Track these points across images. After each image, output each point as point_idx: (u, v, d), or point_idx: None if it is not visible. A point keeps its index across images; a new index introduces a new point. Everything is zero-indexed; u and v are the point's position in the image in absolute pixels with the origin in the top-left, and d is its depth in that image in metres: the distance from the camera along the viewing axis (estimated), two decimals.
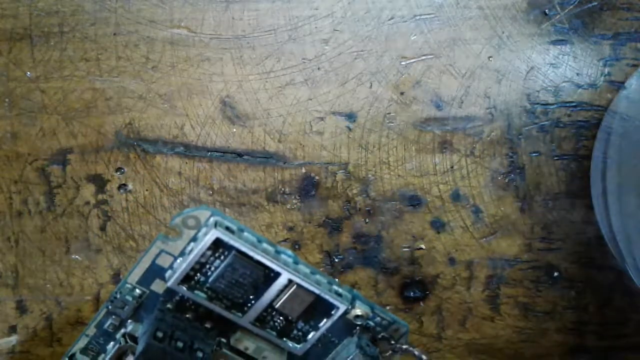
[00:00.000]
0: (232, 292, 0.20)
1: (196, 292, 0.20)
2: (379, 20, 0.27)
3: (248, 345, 0.22)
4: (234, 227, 0.20)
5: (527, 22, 0.27)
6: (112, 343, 0.21)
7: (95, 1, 0.27)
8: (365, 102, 0.27)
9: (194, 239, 0.20)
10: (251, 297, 0.21)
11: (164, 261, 0.20)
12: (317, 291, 0.20)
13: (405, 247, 0.27)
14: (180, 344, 0.20)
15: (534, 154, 0.27)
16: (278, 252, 0.20)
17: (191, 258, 0.20)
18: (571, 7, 0.27)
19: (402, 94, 0.27)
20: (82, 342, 0.21)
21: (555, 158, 0.27)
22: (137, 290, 0.21)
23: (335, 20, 0.27)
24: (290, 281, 0.20)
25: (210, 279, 0.20)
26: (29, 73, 0.27)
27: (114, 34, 0.27)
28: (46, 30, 0.27)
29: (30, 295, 0.27)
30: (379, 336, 0.22)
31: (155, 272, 0.21)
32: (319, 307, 0.21)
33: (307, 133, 0.27)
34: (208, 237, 0.19)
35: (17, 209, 0.27)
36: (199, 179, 0.27)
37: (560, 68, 0.27)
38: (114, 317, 0.21)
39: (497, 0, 0.27)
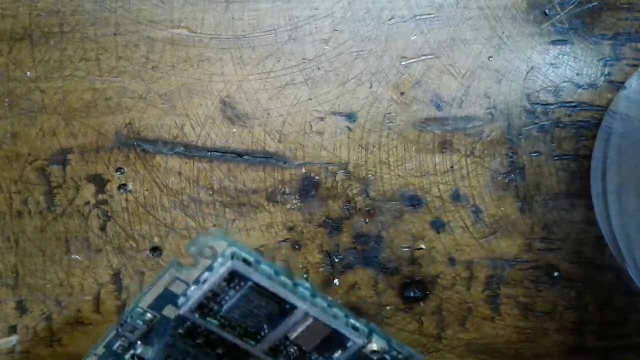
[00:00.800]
0: (245, 322, 0.20)
1: (209, 319, 0.20)
2: (379, 20, 0.27)
3: None
4: (251, 259, 0.20)
5: (527, 22, 0.27)
6: None
7: (95, 1, 0.27)
8: (365, 102, 0.27)
9: (210, 268, 0.20)
10: (265, 327, 0.20)
11: (176, 288, 0.20)
12: (333, 325, 0.20)
13: (405, 247, 0.27)
14: None
15: (534, 154, 0.27)
16: (295, 285, 0.20)
17: (205, 288, 0.19)
18: (571, 7, 0.27)
19: (402, 94, 0.27)
20: None
21: (555, 158, 0.27)
22: (148, 315, 0.21)
23: (335, 20, 0.27)
24: (306, 314, 0.20)
25: (224, 308, 0.20)
26: (29, 73, 0.27)
27: (114, 34, 0.27)
28: (46, 30, 0.27)
29: (30, 295, 0.27)
30: None
31: (167, 298, 0.20)
32: (334, 339, 0.21)
33: (307, 133, 0.27)
34: (224, 269, 0.19)
35: (17, 209, 0.27)
36: (199, 179, 0.27)
37: (560, 68, 0.27)
38: (123, 339, 0.21)
39: (497, 0, 0.27)
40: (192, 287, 0.20)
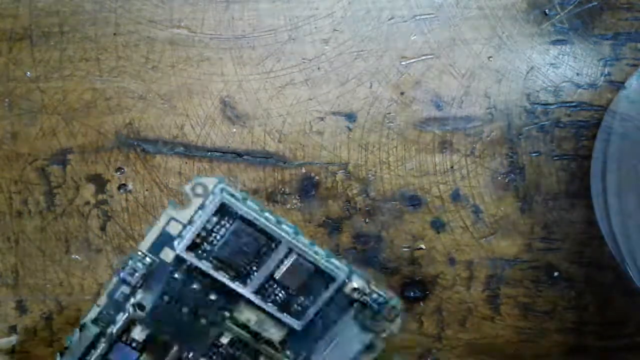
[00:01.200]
0: (236, 261, 0.21)
1: (202, 261, 0.21)
2: (379, 20, 0.27)
3: (250, 317, 0.22)
4: (239, 196, 0.21)
5: (527, 22, 0.27)
6: (121, 313, 0.22)
7: (95, 1, 0.27)
8: (365, 102, 0.27)
9: (202, 206, 0.21)
10: (254, 268, 0.22)
11: (173, 229, 0.21)
12: (315, 261, 0.21)
13: (405, 247, 0.27)
14: (185, 309, 0.22)
15: (534, 154, 0.27)
16: (279, 222, 0.21)
17: (198, 224, 0.21)
18: (571, 7, 0.27)
19: (402, 94, 0.27)
20: (93, 313, 0.22)
21: (555, 158, 0.27)
22: (147, 259, 0.22)
23: (335, 20, 0.27)
24: (290, 250, 0.21)
25: (216, 247, 0.21)
26: (29, 73, 0.27)
27: (114, 34, 0.27)
28: (46, 30, 0.27)
29: (30, 295, 0.27)
30: (377, 316, 0.23)
31: (164, 240, 0.22)
32: (317, 281, 0.22)
33: (307, 133, 0.27)
34: (214, 203, 0.21)
35: (17, 209, 0.27)
36: None
37: (560, 68, 0.27)
38: (124, 285, 0.22)
39: (497, 0, 0.27)
40: (187, 227, 0.21)
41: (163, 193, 0.27)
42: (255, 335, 0.22)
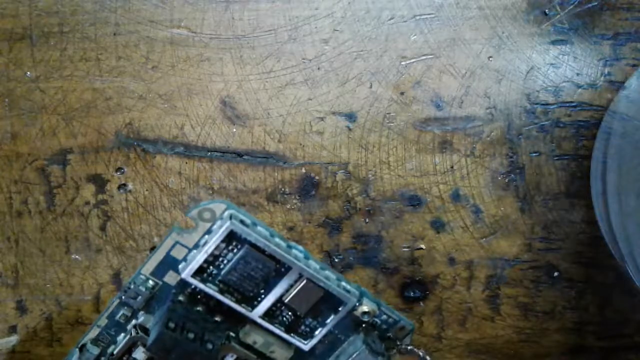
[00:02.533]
0: (243, 286, 0.21)
1: (208, 284, 0.21)
2: (379, 20, 0.27)
3: (256, 339, 0.22)
4: (248, 221, 0.20)
5: (527, 22, 0.27)
6: (122, 334, 0.22)
7: (95, 1, 0.27)
8: (365, 102, 0.27)
9: (209, 231, 0.20)
10: (262, 291, 0.21)
11: (178, 253, 0.21)
12: (326, 286, 0.21)
13: (405, 247, 0.27)
14: (191, 335, 0.21)
15: (534, 154, 0.27)
16: (289, 247, 0.21)
17: (205, 249, 0.20)
18: (571, 7, 0.27)
19: (402, 94, 0.27)
20: (93, 333, 0.22)
21: (555, 158, 0.27)
22: (150, 282, 0.21)
23: (335, 20, 0.27)
24: (300, 276, 0.21)
25: (223, 272, 0.21)
26: (29, 73, 0.27)
27: (114, 34, 0.27)
28: (46, 30, 0.27)
29: (30, 295, 0.27)
30: (385, 335, 0.22)
31: (169, 263, 0.21)
32: (326, 304, 0.21)
33: (307, 133, 0.27)
34: (222, 230, 0.20)
35: (17, 209, 0.27)
36: (199, 179, 0.27)
37: (560, 68, 0.27)
38: (126, 307, 0.21)
39: (497, 0, 0.27)
40: (193, 252, 0.20)
41: (163, 193, 0.27)
42: (262, 355, 0.22)
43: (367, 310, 0.21)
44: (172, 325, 0.20)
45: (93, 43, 0.27)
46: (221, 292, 0.21)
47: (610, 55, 0.27)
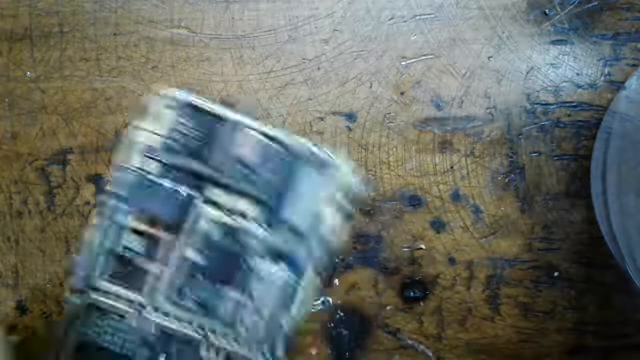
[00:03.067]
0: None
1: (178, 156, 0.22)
2: (379, 20, 0.27)
3: (220, 195, 0.22)
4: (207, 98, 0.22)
5: (527, 22, 0.27)
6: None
7: (95, 1, 0.27)
8: (365, 102, 0.27)
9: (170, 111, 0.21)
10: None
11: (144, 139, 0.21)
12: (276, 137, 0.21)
13: (405, 247, 0.27)
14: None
15: (534, 154, 0.27)
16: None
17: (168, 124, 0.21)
18: (571, 7, 0.27)
19: (402, 94, 0.27)
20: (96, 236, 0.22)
21: (555, 158, 0.27)
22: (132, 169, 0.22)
23: (335, 20, 0.27)
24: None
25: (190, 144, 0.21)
26: (29, 73, 0.27)
27: (114, 34, 0.27)
28: (46, 30, 0.27)
29: (30, 295, 0.27)
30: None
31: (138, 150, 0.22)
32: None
33: (307, 133, 0.27)
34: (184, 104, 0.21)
35: (17, 209, 0.27)
36: None
37: (560, 68, 0.27)
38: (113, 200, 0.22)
39: (497, 0, 0.27)
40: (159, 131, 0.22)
41: None
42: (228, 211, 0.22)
43: (315, 151, 0.22)
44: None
45: (93, 43, 0.27)
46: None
47: (610, 55, 0.27)
